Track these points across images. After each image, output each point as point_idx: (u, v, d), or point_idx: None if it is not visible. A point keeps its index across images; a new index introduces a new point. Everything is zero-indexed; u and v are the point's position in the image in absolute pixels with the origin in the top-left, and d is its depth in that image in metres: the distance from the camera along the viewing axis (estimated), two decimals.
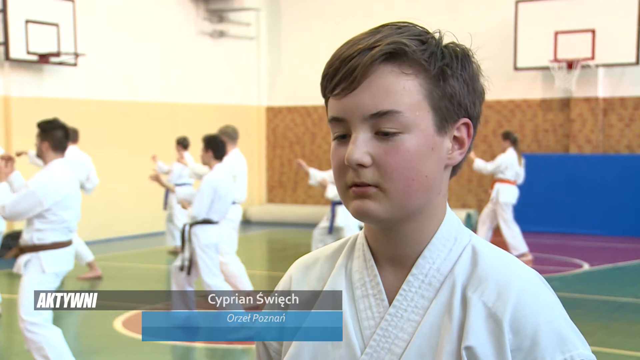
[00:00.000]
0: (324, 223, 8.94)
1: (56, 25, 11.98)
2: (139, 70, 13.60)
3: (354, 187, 1.23)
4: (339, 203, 8.90)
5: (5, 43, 11.46)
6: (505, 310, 1.21)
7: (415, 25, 1.27)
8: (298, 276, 1.40)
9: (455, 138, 1.28)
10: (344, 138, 1.25)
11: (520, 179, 10.80)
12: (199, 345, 7.09)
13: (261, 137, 16.37)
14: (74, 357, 6.75)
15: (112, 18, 13.14)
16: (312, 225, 14.14)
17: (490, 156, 14.46)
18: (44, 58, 11.83)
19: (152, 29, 13.83)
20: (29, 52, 11.65)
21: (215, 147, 7.19)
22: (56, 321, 7.80)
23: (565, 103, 13.79)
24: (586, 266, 10.44)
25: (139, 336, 7.19)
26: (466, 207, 14.59)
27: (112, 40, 13.11)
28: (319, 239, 8.95)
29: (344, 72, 1.22)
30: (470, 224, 14.12)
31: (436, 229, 1.29)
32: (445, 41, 1.27)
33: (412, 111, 1.22)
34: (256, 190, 16.25)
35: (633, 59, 12.91)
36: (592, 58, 13.08)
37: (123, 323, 7.54)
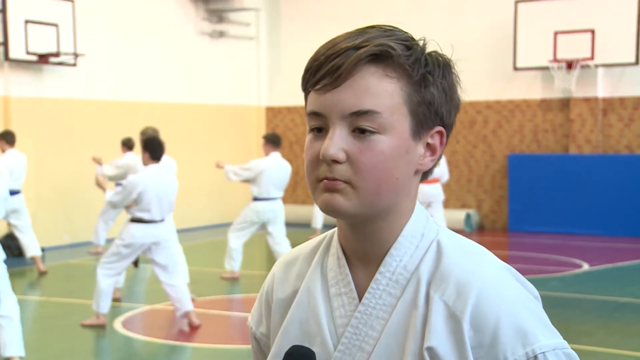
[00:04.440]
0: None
1: (56, 25, 11.98)
2: (139, 70, 13.60)
3: (325, 180, 1.25)
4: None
5: (5, 43, 11.45)
6: (464, 310, 1.22)
7: (401, 30, 1.29)
8: (280, 274, 1.44)
9: (428, 145, 1.30)
10: (319, 132, 1.27)
11: (444, 178, 11.43)
12: (199, 345, 7.10)
13: (260, 137, 16.33)
14: (74, 357, 6.76)
15: (112, 18, 13.14)
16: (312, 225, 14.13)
17: (489, 156, 14.47)
18: (43, 58, 11.83)
19: (151, 29, 13.83)
20: (28, 52, 11.64)
21: (152, 148, 7.28)
22: (56, 321, 7.83)
23: (565, 103, 13.80)
24: (586, 266, 10.44)
25: (139, 336, 7.20)
26: (466, 207, 14.59)
27: (112, 40, 13.11)
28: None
29: (328, 68, 1.24)
30: (470, 224, 14.12)
31: (403, 227, 1.31)
32: (429, 49, 1.30)
33: (391, 113, 1.24)
34: None
35: (633, 59, 12.91)
36: (592, 58, 13.08)
37: (123, 323, 7.54)
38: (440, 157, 1.33)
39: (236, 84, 15.59)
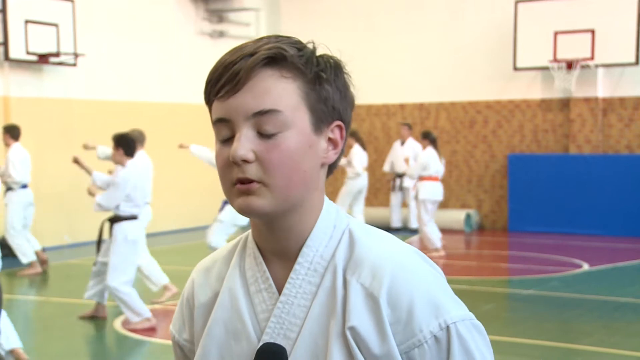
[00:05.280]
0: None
1: (56, 25, 11.98)
2: (139, 70, 13.60)
3: (239, 185, 1.32)
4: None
5: (5, 43, 11.46)
6: (380, 289, 1.31)
7: (290, 37, 1.38)
8: (199, 279, 1.50)
9: (330, 139, 1.38)
10: (228, 140, 1.35)
11: (440, 175, 11.51)
12: None
13: None
14: (74, 358, 6.76)
15: (112, 18, 13.14)
16: None
17: (489, 156, 14.47)
18: (43, 58, 11.83)
19: (151, 29, 13.83)
20: (28, 52, 11.64)
21: (126, 144, 7.35)
22: (56, 321, 7.82)
23: (565, 103, 13.80)
24: (586, 266, 10.44)
25: (139, 336, 7.20)
26: (466, 207, 14.59)
27: (112, 40, 13.11)
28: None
29: (227, 76, 1.32)
30: (470, 224, 14.11)
31: (316, 220, 1.39)
32: (320, 53, 1.38)
33: (291, 111, 1.32)
34: None
35: (632, 59, 12.91)
36: (592, 58, 13.08)
37: (123, 323, 7.54)
38: (342, 151, 1.39)
39: None
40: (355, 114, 15.59)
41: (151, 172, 9.17)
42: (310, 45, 1.37)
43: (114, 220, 7.33)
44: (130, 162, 7.30)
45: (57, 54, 11.93)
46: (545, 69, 13.48)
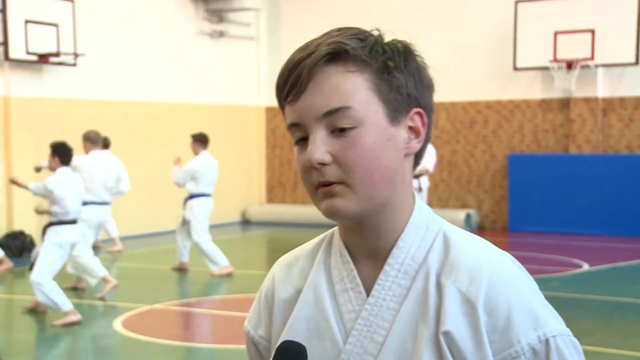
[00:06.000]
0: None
1: (56, 25, 11.98)
2: (139, 71, 13.59)
3: (321, 188, 1.27)
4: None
5: (5, 43, 11.46)
6: (478, 294, 1.25)
7: (352, 28, 1.32)
8: (281, 275, 1.45)
9: (410, 128, 1.32)
10: (304, 142, 1.30)
11: None
12: (199, 345, 7.09)
13: (260, 137, 16.37)
14: (74, 357, 6.76)
15: (112, 18, 13.14)
16: (312, 225, 14.13)
17: (489, 156, 14.47)
18: (43, 58, 11.83)
19: (151, 29, 13.83)
20: (28, 52, 11.65)
21: (62, 153, 7.52)
22: (56, 320, 7.82)
23: (565, 103, 13.80)
24: (586, 266, 10.44)
25: (139, 336, 7.20)
26: (466, 207, 14.59)
27: (112, 40, 13.11)
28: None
29: (292, 79, 1.28)
30: (470, 224, 14.11)
31: (407, 219, 1.33)
32: (387, 39, 1.32)
33: (363, 105, 1.26)
34: (256, 191, 16.24)
35: (632, 59, 12.91)
36: (592, 58, 13.08)
37: (123, 323, 7.54)
38: (427, 138, 1.34)
39: (236, 84, 15.58)
40: None
41: (114, 170, 9.30)
42: (375, 33, 1.31)
43: (49, 224, 7.52)
44: (60, 170, 7.47)
45: (57, 54, 11.93)
46: (545, 69, 13.48)
